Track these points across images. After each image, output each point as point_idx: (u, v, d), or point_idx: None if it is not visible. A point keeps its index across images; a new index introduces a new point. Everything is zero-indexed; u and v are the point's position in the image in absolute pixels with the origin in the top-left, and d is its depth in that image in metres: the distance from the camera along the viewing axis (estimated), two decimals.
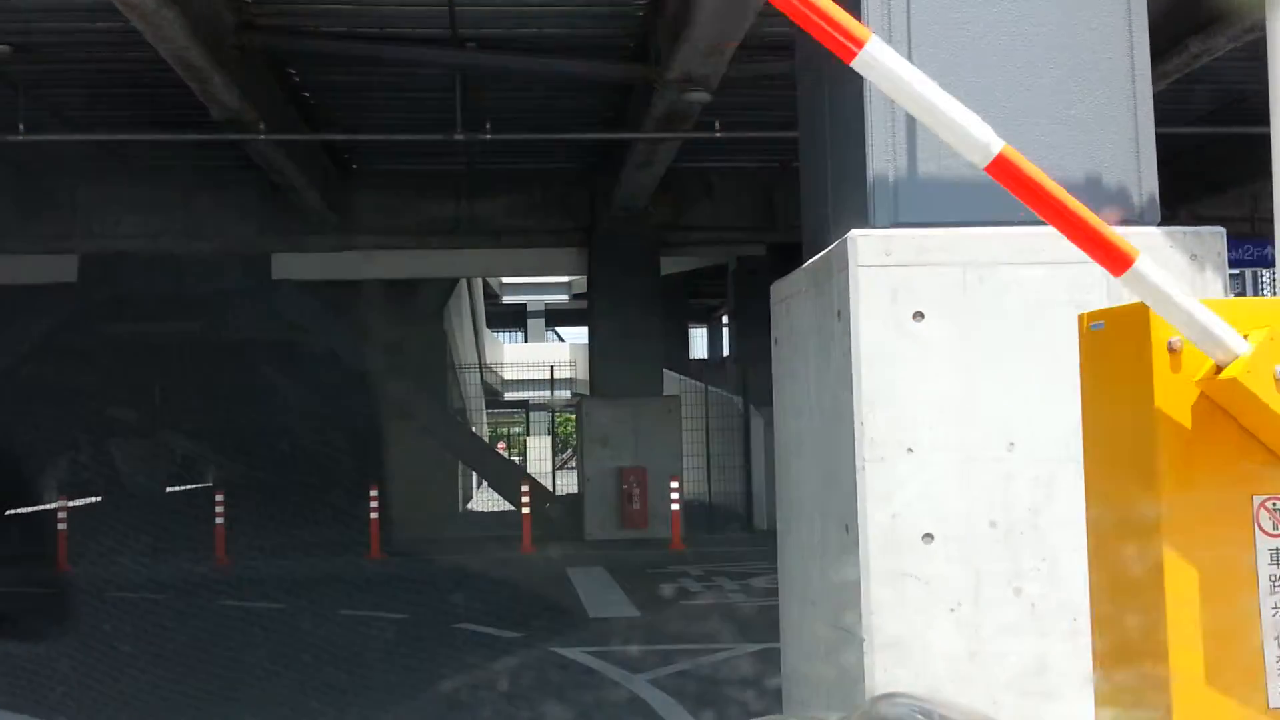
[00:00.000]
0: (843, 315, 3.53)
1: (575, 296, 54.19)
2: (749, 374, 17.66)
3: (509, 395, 50.75)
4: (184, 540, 18.37)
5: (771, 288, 4.54)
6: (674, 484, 15.34)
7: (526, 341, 57.71)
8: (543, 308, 57.85)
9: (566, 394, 53.09)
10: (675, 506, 15.18)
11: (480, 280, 39.48)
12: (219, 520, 15.41)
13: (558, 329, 61.72)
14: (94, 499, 34.46)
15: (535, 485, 16.11)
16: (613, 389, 16.62)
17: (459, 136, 11.60)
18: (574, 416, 72.77)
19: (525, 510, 15.37)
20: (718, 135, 11.97)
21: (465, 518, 22.19)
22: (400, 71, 12.32)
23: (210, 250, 16.71)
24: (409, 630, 9.40)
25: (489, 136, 11.77)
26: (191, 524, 20.82)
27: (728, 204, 17.31)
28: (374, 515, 15.37)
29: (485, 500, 24.88)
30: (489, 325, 46.37)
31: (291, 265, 16.98)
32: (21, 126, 11.17)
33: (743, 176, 17.28)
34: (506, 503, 26.13)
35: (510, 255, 17.33)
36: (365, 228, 16.88)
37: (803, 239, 4.54)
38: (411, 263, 17.24)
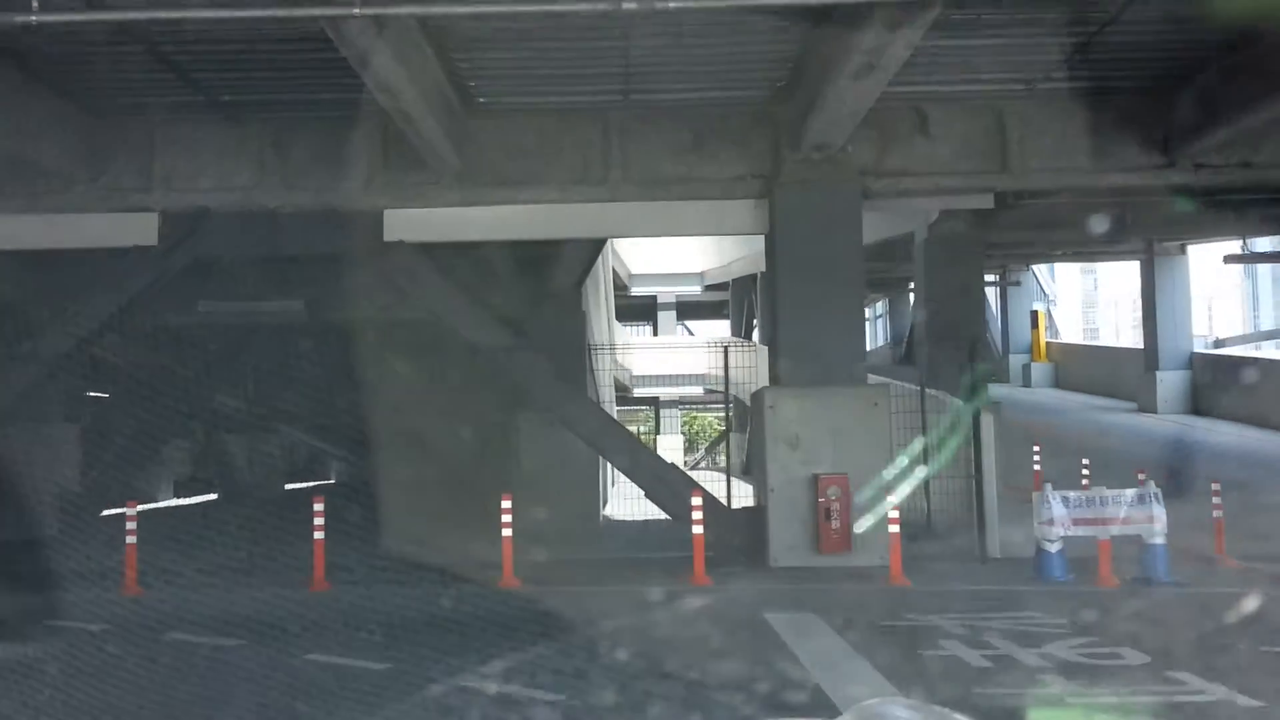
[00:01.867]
0: None
1: (709, 288, 50.97)
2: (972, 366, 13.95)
3: (638, 391, 47.85)
4: (286, 552, 15.52)
5: None
6: (891, 498, 11.74)
7: (656, 335, 54.60)
8: (674, 299, 54.79)
9: (699, 390, 49.94)
10: (894, 528, 11.58)
11: (610, 268, 36.48)
12: (317, 535, 12.36)
13: (687, 323, 58.58)
14: (207, 498, 32.41)
15: (708, 497, 12.69)
16: (803, 376, 13.11)
17: (630, 5, 8.24)
18: (698, 416, 69.63)
19: (698, 530, 11.95)
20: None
21: (606, 529, 18.95)
22: None
23: (309, 206, 13.75)
24: None
25: (671, 4, 8.37)
26: (299, 530, 18.04)
27: (947, 141, 13.64)
28: (507, 532, 12.13)
29: (621, 503, 21.50)
30: (616, 318, 43.45)
31: (406, 224, 13.91)
32: (35, 4, 8.21)
33: (967, 105, 13.61)
34: (643, 506, 22.86)
35: (671, 210, 13.95)
36: (494, 177, 13.73)
37: None
38: (551, 220, 13.99)
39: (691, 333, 59.44)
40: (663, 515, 20.77)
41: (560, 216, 14.00)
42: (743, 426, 46.00)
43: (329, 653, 8.49)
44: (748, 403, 40.75)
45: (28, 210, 13.64)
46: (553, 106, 13.55)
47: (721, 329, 54.25)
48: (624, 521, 20.29)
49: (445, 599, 11.26)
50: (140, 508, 25.92)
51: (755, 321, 42.80)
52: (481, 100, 13.31)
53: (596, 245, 16.99)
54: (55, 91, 12.65)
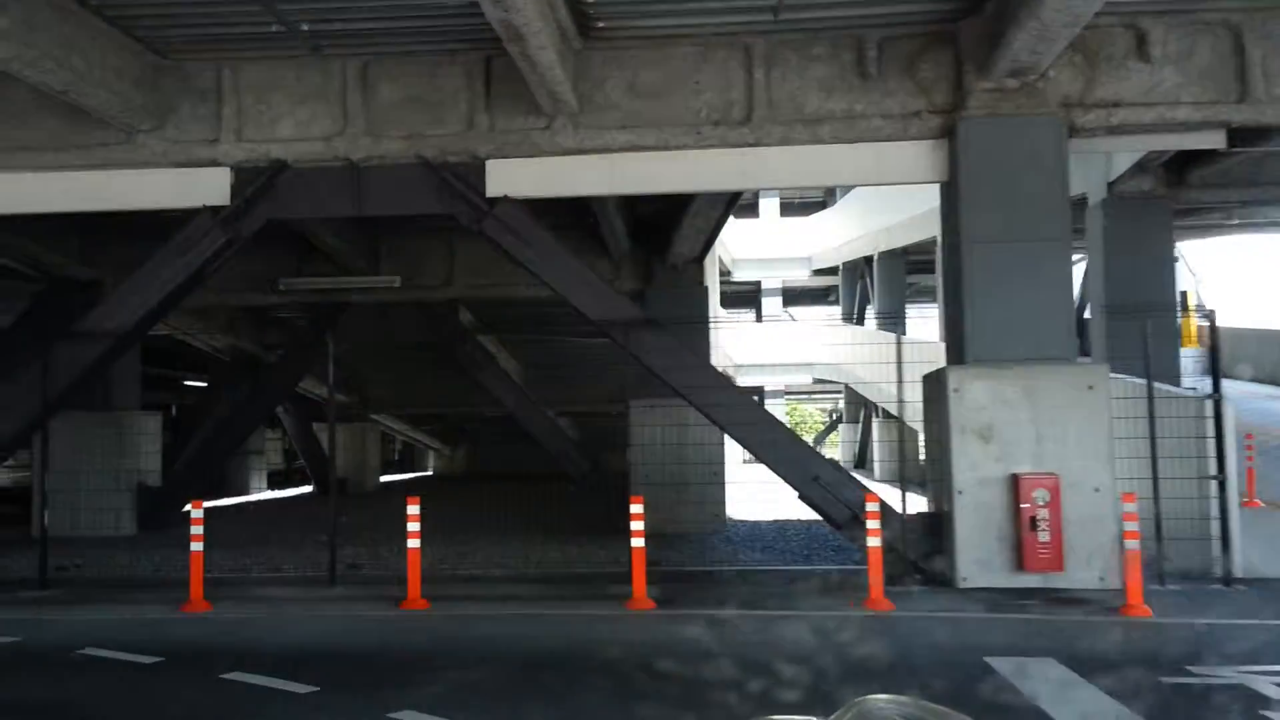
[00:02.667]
0: None
1: (816, 272, 48.37)
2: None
3: (742, 380, 45.59)
4: (379, 558, 13.63)
5: None
6: (1128, 504, 9.28)
7: (759, 322, 52.19)
8: (779, 284, 52.36)
9: (807, 380, 47.44)
10: (1131, 543, 9.12)
11: (715, 251, 34.30)
12: (411, 543, 10.32)
13: (790, 310, 56.08)
14: (296, 491, 30.98)
15: (880, 502, 10.33)
16: (994, 351, 10.70)
17: None
18: (797, 406, 66.76)
19: (874, 542, 9.65)
20: None
21: (732, 531, 16.71)
22: None
23: (399, 156, 11.75)
24: None
25: None
26: (390, 529, 16.17)
27: (1170, 65, 11.07)
28: (637, 542, 9.95)
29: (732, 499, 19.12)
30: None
31: (512, 176, 11.81)
32: None
33: (1196, 20, 11.04)
34: (769, 504, 20.59)
35: (826, 156, 11.59)
36: (615, 119, 11.57)
37: None
38: (681, 171, 11.75)
39: (794, 319, 57.00)
40: (794, 516, 18.50)
41: (692, 166, 11.75)
42: (854, 417, 43.52)
43: (422, 708, 6.39)
44: (861, 391, 38.22)
45: (83, 166, 11.90)
46: (686, 31, 11.34)
47: (824, 315, 51.59)
48: (753, 523, 18.06)
49: (567, 626, 9.15)
50: (227, 502, 24.43)
51: (869, 306, 40.20)
52: (601, 25, 11.15)
53: (727, 204, 14.72)
54: (109, 22, 10.82)
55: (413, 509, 10.38)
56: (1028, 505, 10.13)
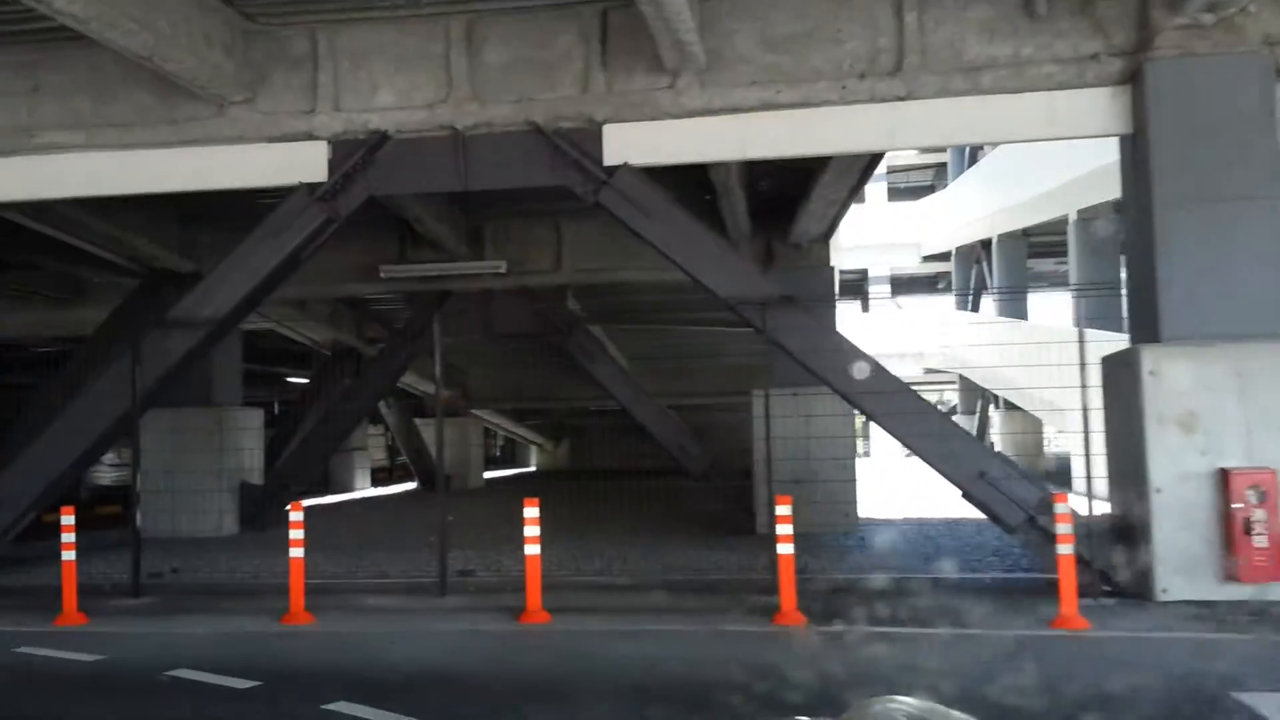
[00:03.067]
0: None
1: (928, 258, 46.45)
2: None
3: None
4: (490, 561, 12.67)
5: None
6: None
7: (865, 312, 50.44)
8: (887, 272, 50.60)
9: (917, 370, 45.62)
10: None
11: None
12: (529, 549, 9.26)
13: (897, 299, 54.18)
14: (399, 488, 30.42)
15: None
16: (1194, 328, 9.23)
17: None
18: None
19: (1065, 550, 8.29)
20: None
21: (868, 532, 15.37)
22: None
23: (507, 123, 10.70)
24: None
25: None
26: (499, 529, 15.23)
27: None
28: (785, 549, 8.74)
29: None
30: None
31: (632, 141, 10.67)
32: None
33: None
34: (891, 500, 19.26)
35: (987, 109, 10.21)
36: (746, 75, 10.36)
37: None
38: (821, 130, 10.46)
39: (900, 307, 55.09)
40: (931, 515, 17.12)
41: (833, 125, 10.46)
42: (969, 408, 41.63)
43: None
44: (979, 380, 36.30)
45: (173, 142, 11.10)
46: None
47: (933, 304, 49.71)
48: (885, 521, 16.69)
49: (714, 646, 7.98)
50: (330, 500, 23.80)
51: (986, 291, 38.31)
52: None
53: (862, 172, 13.38)
54: None
55: (531, 511, 9.33)
56: (1240, 505, 8.67)
